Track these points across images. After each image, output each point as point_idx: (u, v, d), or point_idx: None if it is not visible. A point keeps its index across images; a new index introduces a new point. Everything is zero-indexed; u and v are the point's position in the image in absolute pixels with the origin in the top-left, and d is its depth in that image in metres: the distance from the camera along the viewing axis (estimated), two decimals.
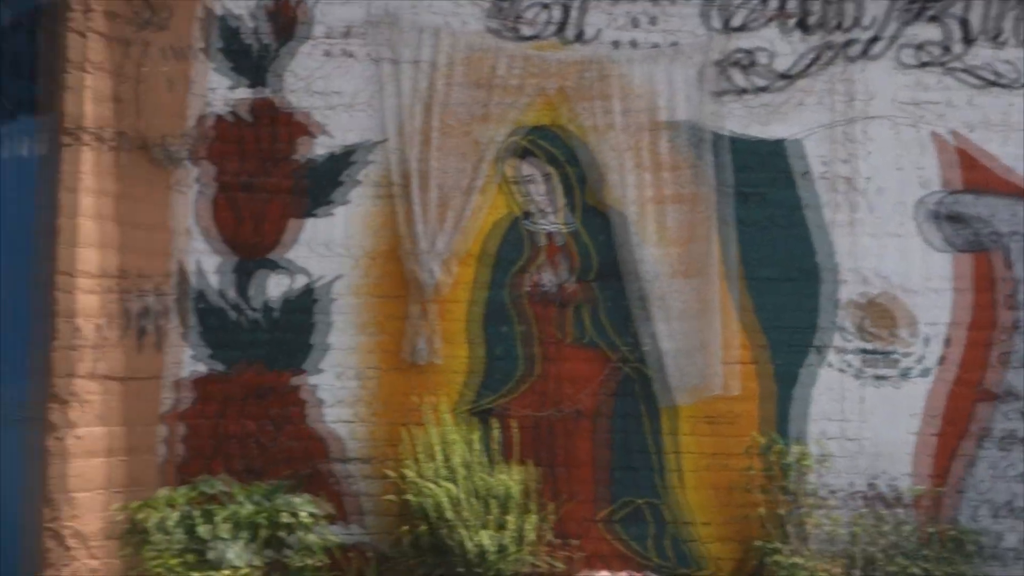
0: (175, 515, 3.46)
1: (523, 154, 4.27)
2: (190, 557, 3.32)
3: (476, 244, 4.24)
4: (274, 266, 4.21)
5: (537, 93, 4.28)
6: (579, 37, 4.29)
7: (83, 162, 3.88)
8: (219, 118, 4.21)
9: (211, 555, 3.36)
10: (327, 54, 4.27)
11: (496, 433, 4.05)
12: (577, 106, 4.25)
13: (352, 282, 4.24)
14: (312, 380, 4.21)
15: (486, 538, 3.54)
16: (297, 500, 3.64)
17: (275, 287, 4.21)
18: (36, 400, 3.93)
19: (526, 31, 4.31)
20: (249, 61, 4.24)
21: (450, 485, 3.67)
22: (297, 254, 4.23)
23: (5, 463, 4.27)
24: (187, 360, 4.15)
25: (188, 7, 4.17)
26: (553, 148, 4.27)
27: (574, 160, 4.26)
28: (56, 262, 3.80)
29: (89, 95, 3.90)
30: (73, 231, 3.82)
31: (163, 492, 3.62)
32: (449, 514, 3.57)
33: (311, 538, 3.59)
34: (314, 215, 4.23)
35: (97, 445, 3.87)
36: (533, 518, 3.76)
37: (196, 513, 3.42)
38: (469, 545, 3.55)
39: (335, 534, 3.83)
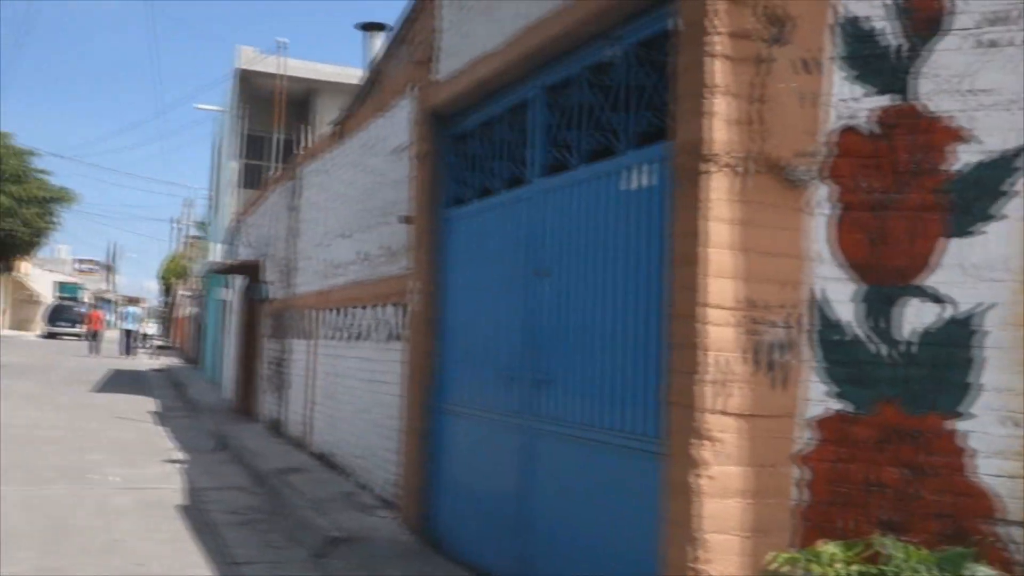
0: (843, 573, 3.10)
1: None
2: None
3: None
4: (917, 293, 3.71)
5: None
6: None
7: (715, 189, 3.74)
8: (849, 131, 3.82)
9: None
10: (976, 47, 3.69)
11: None
12: None
13: (1014, 311, 3.58)
14: (962, 425, 3.63)
15: None
16: (982, 571, 3.07)
17: (918, 317, 3.71)
18: (668, 433, 3.86)
19: None
20: (882, 65, 3.81)
21: None
22: (942, 279, 3.68)
23: (631, 494, 4.30)
24: (818, 397, 3.80)
25: (816, 16, 3.85)
26: None
27: None
28: (696, 293, 3.68)
29: (719, 120, 3.76)
30: (712, 261, 3.68)
31: (825, 546, 3.28)
32: None
33: None
34: (965, 233, 3.66)
35: (732, 484, 3.69)
36: None
37: (873, 573, 3.02)
38: None
39: None
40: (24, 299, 61.48)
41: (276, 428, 12.77)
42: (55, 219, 23.43)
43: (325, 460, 9.99)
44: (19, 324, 59.55)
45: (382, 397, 8.20)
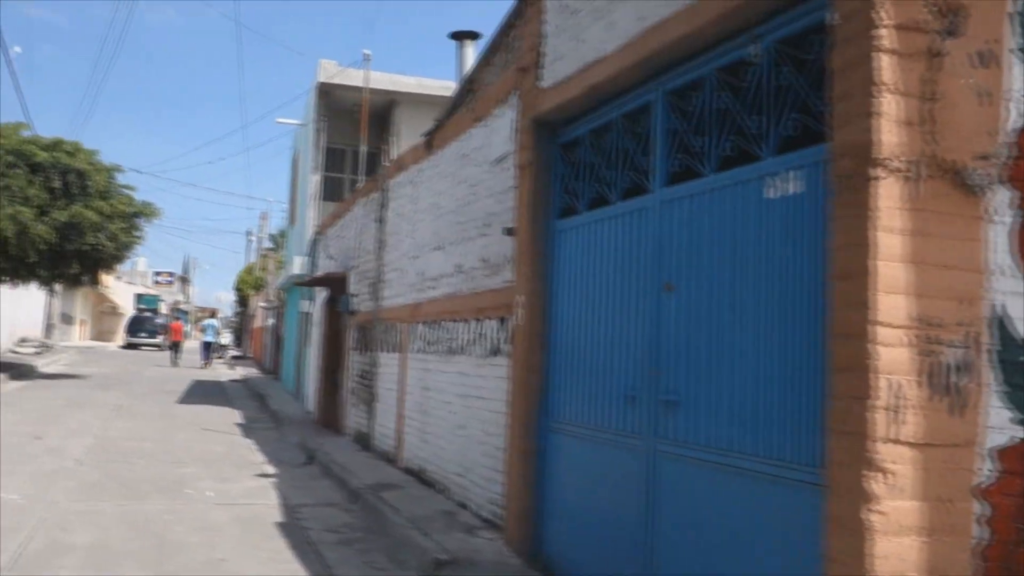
0: None
1: None
2: None
3: None
4: None
5: None
6: None
7: (884, 196, 3.41)
8: None
9: None
10: None
11: None
12: None
13: None
14: None
15: None
16: None
17: None
18: (830, 463, 3.54)
19: None
20: None
21: None
22: None
23: (777, 525, 3.98)
24: (1000, 424, 3.44)
25: (993, 5, 3.52)
26: None
27: None
28: (865, 310, 3.36)
29: (888, 120, 3.44)
30: (882, 276, 3.36)
31: None
32: None
33: None
34: None
35: (906, 520, 3.35)
36: None
37: None
38: None
39: None
40: (106, 311, 63.24)
41: (363, 442, 12.67)
42: (139, 233, 23.77)
43: (418, 476, 9.82)
44: (101, 335, 61.25)
45: (481, 413, 7.99)
